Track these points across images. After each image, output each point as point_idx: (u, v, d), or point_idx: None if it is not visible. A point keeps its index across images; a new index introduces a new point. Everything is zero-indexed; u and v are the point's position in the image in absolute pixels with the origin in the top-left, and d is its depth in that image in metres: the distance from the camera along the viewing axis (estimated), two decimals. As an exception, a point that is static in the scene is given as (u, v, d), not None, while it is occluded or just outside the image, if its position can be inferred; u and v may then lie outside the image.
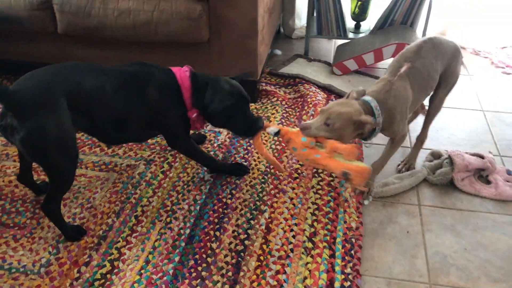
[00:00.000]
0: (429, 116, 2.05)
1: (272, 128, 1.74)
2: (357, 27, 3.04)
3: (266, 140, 2.19)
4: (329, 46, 3.19)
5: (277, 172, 2.00)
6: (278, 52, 3.04)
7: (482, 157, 2.02)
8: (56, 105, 1.51)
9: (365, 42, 2.77)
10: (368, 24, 3.04)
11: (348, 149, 1.60)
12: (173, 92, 1.77)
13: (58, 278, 1.54)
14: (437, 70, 1.86)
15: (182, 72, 1.79)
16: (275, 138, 2.17)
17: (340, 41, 3.08)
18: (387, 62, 2.84)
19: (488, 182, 1.97)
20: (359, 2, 2.89)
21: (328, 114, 1.63)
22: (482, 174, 2.00)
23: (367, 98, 1.71)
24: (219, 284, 1.52)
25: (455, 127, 2.32)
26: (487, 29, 3.14)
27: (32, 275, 1.55)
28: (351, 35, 2.98)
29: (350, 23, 3.05)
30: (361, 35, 2.97)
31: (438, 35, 1.97)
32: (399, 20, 2.79)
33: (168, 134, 1.86)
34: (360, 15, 2.96)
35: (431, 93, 1.95)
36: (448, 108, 2.45)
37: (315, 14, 2.94)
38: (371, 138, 1.76)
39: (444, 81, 1.93)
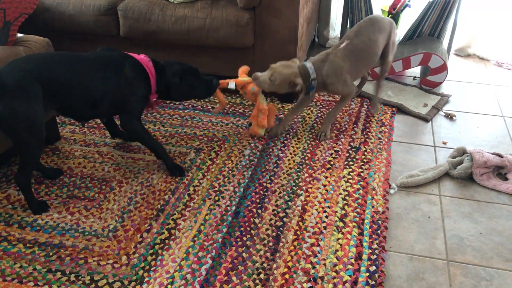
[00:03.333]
0: (381, 74, 2.59)
1: (231, 83, 2.32)
2: (387, 38, 3.26)
3: (300, 137, 2.43)
4: (360, 55, 3.42)
5: (311, 163, 2.23)
6: (313, 59, 3.29)
7: (501, 156, 2.21)
8: (29, 90, 1.77)
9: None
10: (398, 35, 3.26)
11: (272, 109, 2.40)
12: (143, 75, 2.07)
13: (124, 241, 1.81)
14: (376, 41, 2.36)
15: (146, 61, 2.09)
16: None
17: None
18: (414, 70, 3.08)
19: (506, 179, 2.16)
20: (390, 15, 3.12)
21: (273, 72, 2.20)
22: (501, 172, 2.19)
23: (307, 63, 2.26)
24: (261, 252, 1.75)
25: (476, 130, 2.51)
26: (510, 42, 3.32)
27: (102, 238, 1.82)
28: (381, 45, 3.21)
29: (380, 34, 3.27)
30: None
31: (376, 15, 2.54)
32: (426, 32, 3.01)
33: (125, 112, 2.08)
34: (390, 27, 3.18)
35: (376, 59, 2.45)
36: (470, 113, 2.66)
37: (348, 25, 3.18)
38: (310, 94, 2.32)
39: (390, 49, 2.49)
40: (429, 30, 3.01)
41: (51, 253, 1.75)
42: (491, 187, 2.09)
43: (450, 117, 2.62)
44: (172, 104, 2.73)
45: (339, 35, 3.28)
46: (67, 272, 1.67)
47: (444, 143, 2.40)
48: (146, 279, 1.65)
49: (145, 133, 2.12)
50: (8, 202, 2.00)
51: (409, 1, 3.09)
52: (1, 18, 1.96)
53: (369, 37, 2.34)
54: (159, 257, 1.73)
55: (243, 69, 2.42)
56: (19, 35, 2.12)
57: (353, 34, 2.36)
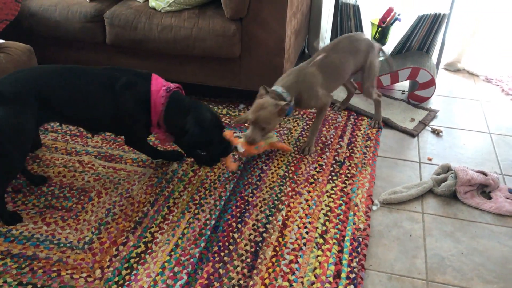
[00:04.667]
0: (367, 96, 2.56)
1: (239, 147, 2.16)
2: (377, 51, 3.25)
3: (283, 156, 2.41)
4: (350, 68, 3.41)
5: (294, 177, 2.21)
6: (302, 70, 3.27)
7: (485, 174, 2.19)
8: (23, 103, 1.74)
9: (383, 65, 2.98)
10: (387, 49, 3.25)
11: (285, 147, 2.36)
12: (145, 108, 1.94)
13: (99, 254, 1.77)
14: (349, 61, 2.35)
15: (158, 97, 1.93)
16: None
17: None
18: (403, 84, 3.07)
19: (490, 198, 2.14)
20: (380, 28, 3.11)
21: (259, 122, 2.10)
22: (485, 190, 2.18)
23: (277, 88, 2.18)
24: (238, 268, 1.72)
25: (462, 147, 2.50)
26: (499, 58, 3.32)
27: (77, 250, 1.79)
28: (371, 58, 3.20)
29: (370, 47, 3.26)
30: (380, 58, 3.18)
31: (357, 33, 2.48)
32: (416, 47, 3.00)
33: (129, 135, 2.09)
34: (380, 40, 3.17)
35: (346, 77, 2.42)
36: (457, 129, 2.65)
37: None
38: (290, 115, 2.27)
39: (366, 73, 2.45)
40: (418, 45, 3.00)
41: (23, 265, 1.71)
42: (475, 206, 2.07)
43: (436, 132, 2.61)
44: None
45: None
46: (39, 286, 1.63)
47: (430, 159, 2.38)
48: (119, 294, 1.61)
49: (148, 147, 2.21)
50: (-17, 211, 1.96)
51: (399, 15, 3.08)
52: (-19, 24, 1.94)
53: (344, 55, 2.34)
54: (134, 272, 1.70)
55: (229, 133, 2.20)
56: (1, 41, 2.10)
57: (330, 49, 2.35)
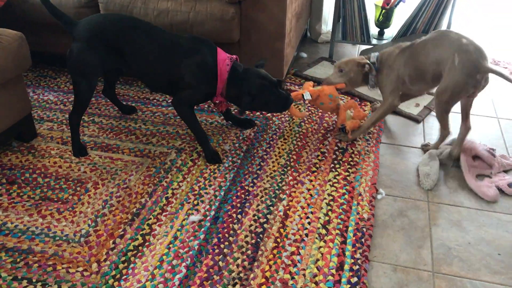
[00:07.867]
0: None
1: (306, 94, 2.30)
2: (381, 33, 3.16)
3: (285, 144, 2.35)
4: (353, 51, 3.32)
5: (296, 165, 2.15)
6: (304, 55, 3.20)
7: (493, 155, 2.14)
8: (92, 41, 2.02)
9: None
10: (391, 31, 3.17)
11: (359, 113, 2.34)
12: (209, 76, 2.05)
13: (95, 247, 1.73)
14: (433, 63, 2.11)
15: (223, 65, 2.05)
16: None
17: (364, 47, 3.22)
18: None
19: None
20: (384, 10, 3.02)
21: (339, 64, 2.30)
22: (490, 175, 2.11)
23: (373, 53, 2.28)
24: (239, 261, 1.68)
25: (469, 132, 2.42)
26: (508, 40, 3.23)
27: (73, 243, 1.74)
28: (374, 41, 3.11)
29: (374, 30, 3.18)
30: (384, 41, 3.10)
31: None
32: (421, 29, 2.91)
33: (178, 95, 2.11)
34: (384, 22, 3.08)
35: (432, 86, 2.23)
36: (463, 114, 2.57)
37: (340, 20, 3.08)
38: (372, 84, 2.27)
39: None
40: (423, 27, 2.91)
41: (18, 259, 1.67)
42: (468, 181, 2.05)
43: (442, 118, 2.53)
44: (155, 100, 2.63)
45: (331, 30, 3.18)
46: (34, 280, 1.59)
47: (435, 146, 2.32)
48: (116, 288, 1.57)
49: (192, 119, 2.15)
50: (-23, 204, 1.92)
51: (403, -4, 2.99)
52: (-31, 11, 1.87)
53: (429, 53, 2.12)
54: (131, 265, 1.65)
55: (308, 84, 2.40)
56: (-9, 28, 2.03)
57: (419, 41, 2.18)
